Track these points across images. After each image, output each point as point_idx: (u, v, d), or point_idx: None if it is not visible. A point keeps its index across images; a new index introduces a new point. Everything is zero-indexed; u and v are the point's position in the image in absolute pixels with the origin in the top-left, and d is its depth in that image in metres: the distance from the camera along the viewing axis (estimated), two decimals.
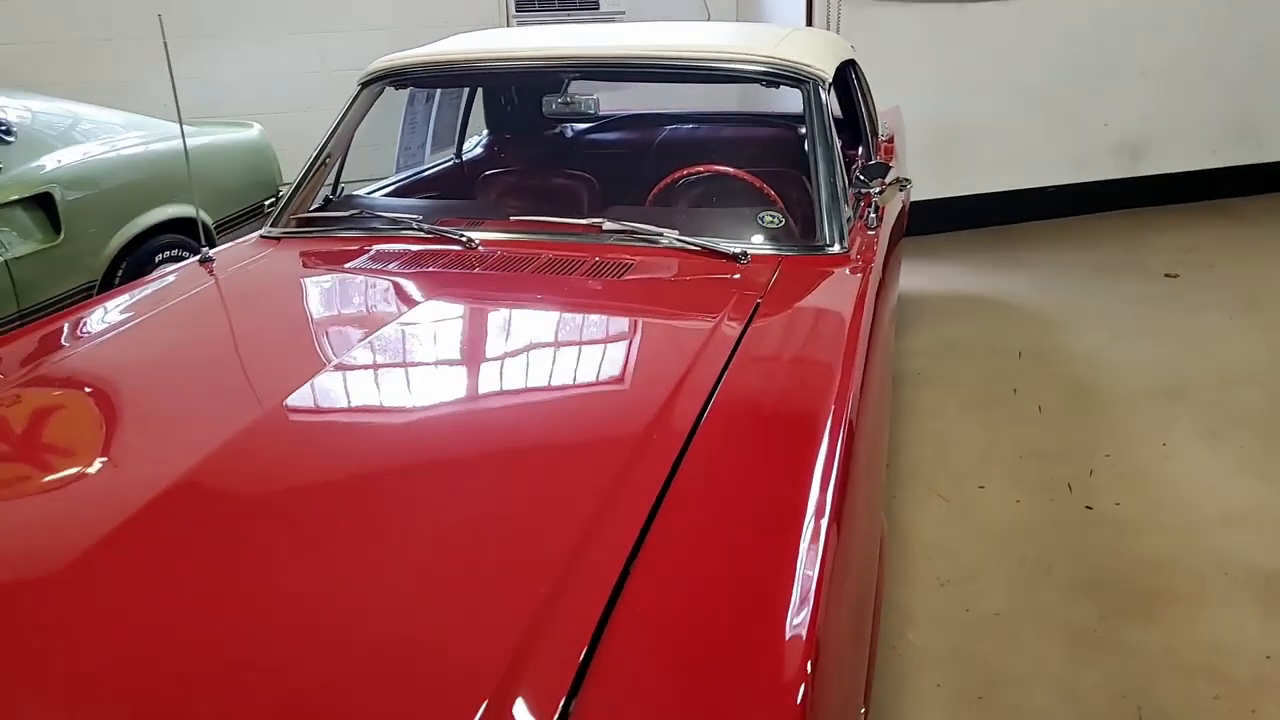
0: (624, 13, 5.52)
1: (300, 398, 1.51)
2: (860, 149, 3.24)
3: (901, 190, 3.16)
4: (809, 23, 5.13)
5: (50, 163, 3.26)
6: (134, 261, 3.46)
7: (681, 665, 0.99)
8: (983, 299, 4.74)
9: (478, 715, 0.90)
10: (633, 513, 1.19)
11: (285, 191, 4.41)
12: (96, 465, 1.37)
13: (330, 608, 1.06)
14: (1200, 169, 6.24)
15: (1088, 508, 2.88)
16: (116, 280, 3.37)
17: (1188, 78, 5.96)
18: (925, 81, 5.44)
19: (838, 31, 5.13)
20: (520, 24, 5.39)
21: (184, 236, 3.68)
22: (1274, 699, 2.12)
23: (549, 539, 1.16)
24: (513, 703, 0.92)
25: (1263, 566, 2.57)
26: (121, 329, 1.89)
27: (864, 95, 3.30)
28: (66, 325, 1.92)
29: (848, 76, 3.26)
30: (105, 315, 1.98)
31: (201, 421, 1.47)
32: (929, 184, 5.62)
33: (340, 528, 1.20)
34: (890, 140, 3.55)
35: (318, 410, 1.50)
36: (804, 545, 1.15)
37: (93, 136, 3.58)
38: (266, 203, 4.25)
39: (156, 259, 3.54)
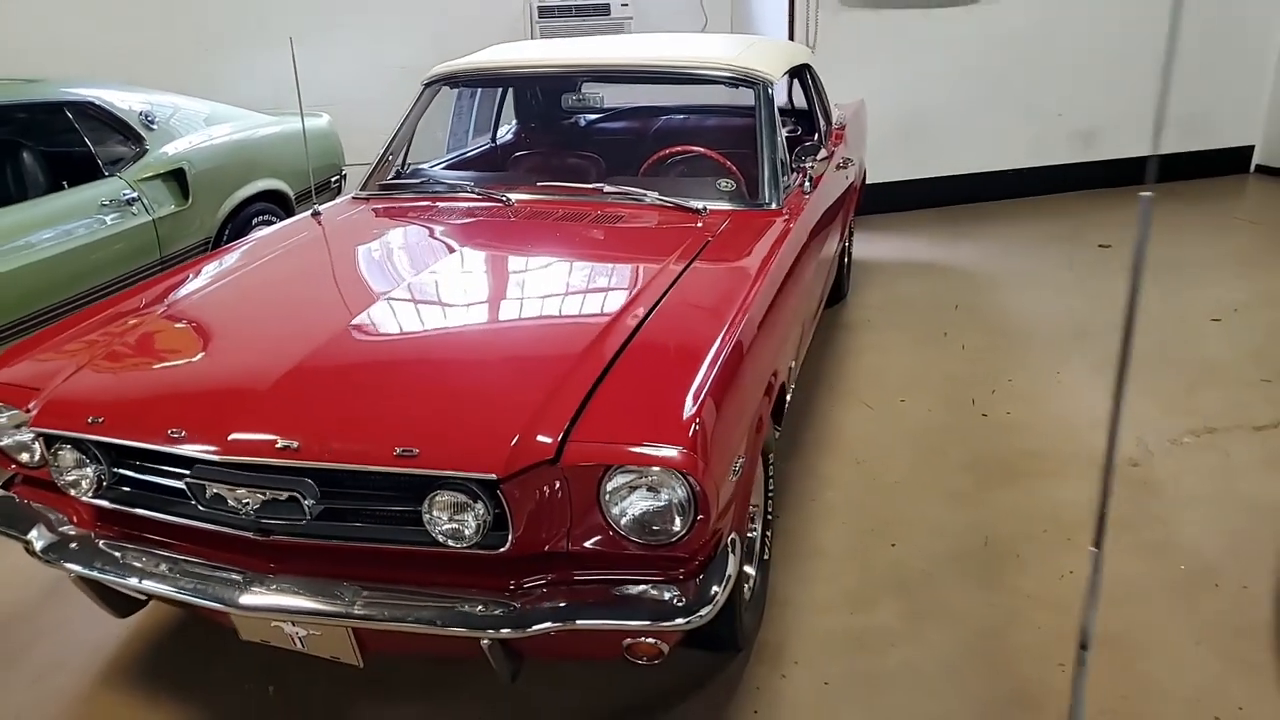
0: (631, 19, 6.33)
1: (408, 288, 2.39)
2: (815, 135, 4.05)
3: (842, 168, 3.98)
4: (790, 27, 5.92)
5: (178, 145, 4.15)
6: (236, 224, 4.34)
7: (635, 408, 1.83)
8: (934, 265, 5.54)
9: (525, 421, 1.76)
10: (621, 332, 2.05)
11: (346, 170, 5.27)
12: (300, 320, 2.28)
13: (441, 369, 1.95)
14: (1146, 155, 6.96)
15: (983, 415, 3.69)
16: (225, 237, 4.26)
17: (1139, 71, 6.65)
18: (895, 77, 6.22)
19: (815, 35, 5.94)
20: (543, 29, 6.21)
21: (271, 205, 4.55)
22: (1084, 531, 2.92)
23: (570, 342, 2.03)
24: (541, 416, 1.77)
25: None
26: (274, 255, 2.76)
27: (818, 92, 4.11)
28: (236, 253, 2.80)
29: (804, 77, 4.08)
30: (259, 247, 2.85)
31: (345, 303, 2.34)
32: (898, 167, 6.42)
33: (444, 339, 2.10)
34: (842, 128, 4.35)
35: (419, 295, 2.38)
36: (708, 359, 1.98)
37: (188, 122, 4.44)
38: (333, 179, 5.11)
39: (253, 222, 4.42)
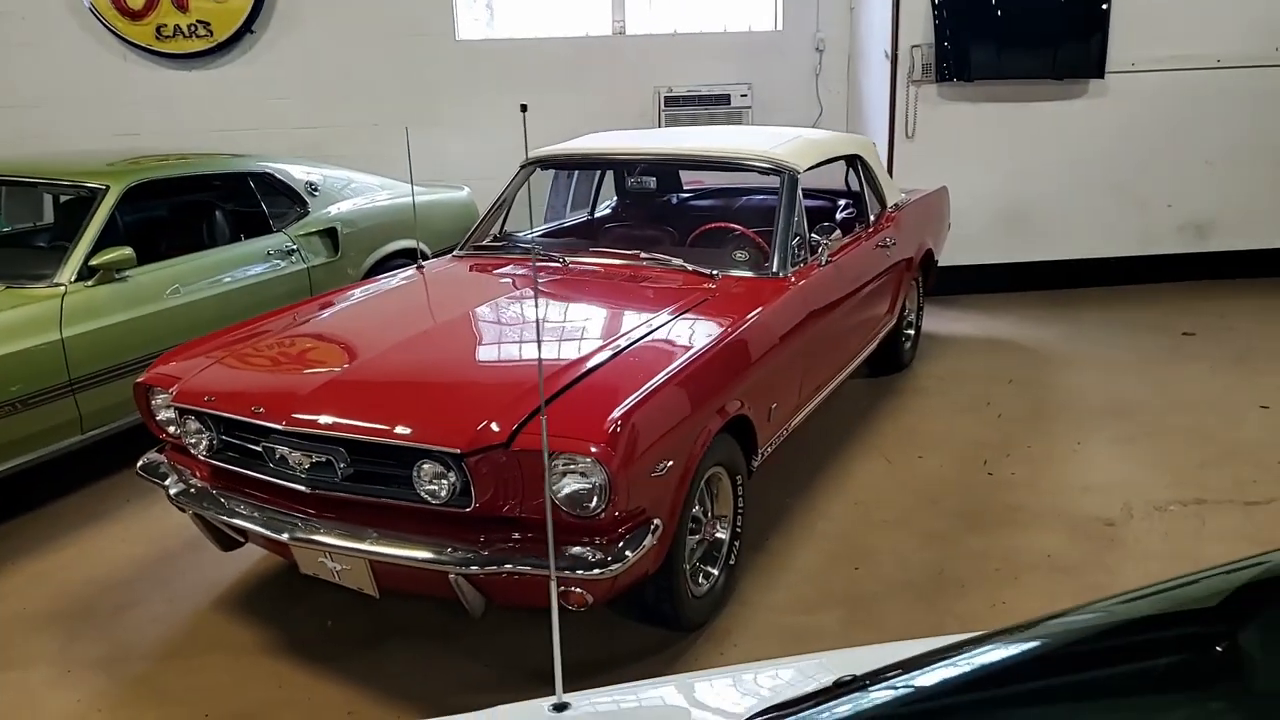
0: (750, 108, 7.01)
1: (475, 312, 3.20)
2: (865, 216, 4.58)
3: (884, 247, 4.48)
4: (890, 118, 6.43)
5: (335, 209, 5.16)
6: (379, 275, 5.28)
7: (578, 412, 2.47)
8: (1009, 343, 5.83)
9: (489, 414, 2.42)
10: (596, 358, 2.72)
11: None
12: (364, 340, 3.08)
13: (448, 375, 2.70)
14: (1266, 248, 6.95)
15: (989, 474, 4.05)
16: None
17: (1255, 165, 6.72)
18: (994, 164, 6.56)
19: (914, 125, 6.42)
20: (668, 116, 6.98)
21: (410, 261, 5.48)
22: (1033, 572, 3.28)
23: (553, 362, 2.69)
24: (503, 412, 2.43)
25: (1087, 515, 3.66)
26: (382, 290, 3.67)
27: (869, 178, 4.64)
28: (348, 293, 3.66)
29: (856, 165, 4.63)
30: (376, 286, 3.75)
31: (428, 319, 3.21)
32: (994, 250, 6.74)
33: (460, 354, 2.86)
34: (897, 210, 4.84)
35: (457, 324, 3.16)
36: (649, 383, 2.59)
37: (357, 192, 5.46)
38: None
39: None
